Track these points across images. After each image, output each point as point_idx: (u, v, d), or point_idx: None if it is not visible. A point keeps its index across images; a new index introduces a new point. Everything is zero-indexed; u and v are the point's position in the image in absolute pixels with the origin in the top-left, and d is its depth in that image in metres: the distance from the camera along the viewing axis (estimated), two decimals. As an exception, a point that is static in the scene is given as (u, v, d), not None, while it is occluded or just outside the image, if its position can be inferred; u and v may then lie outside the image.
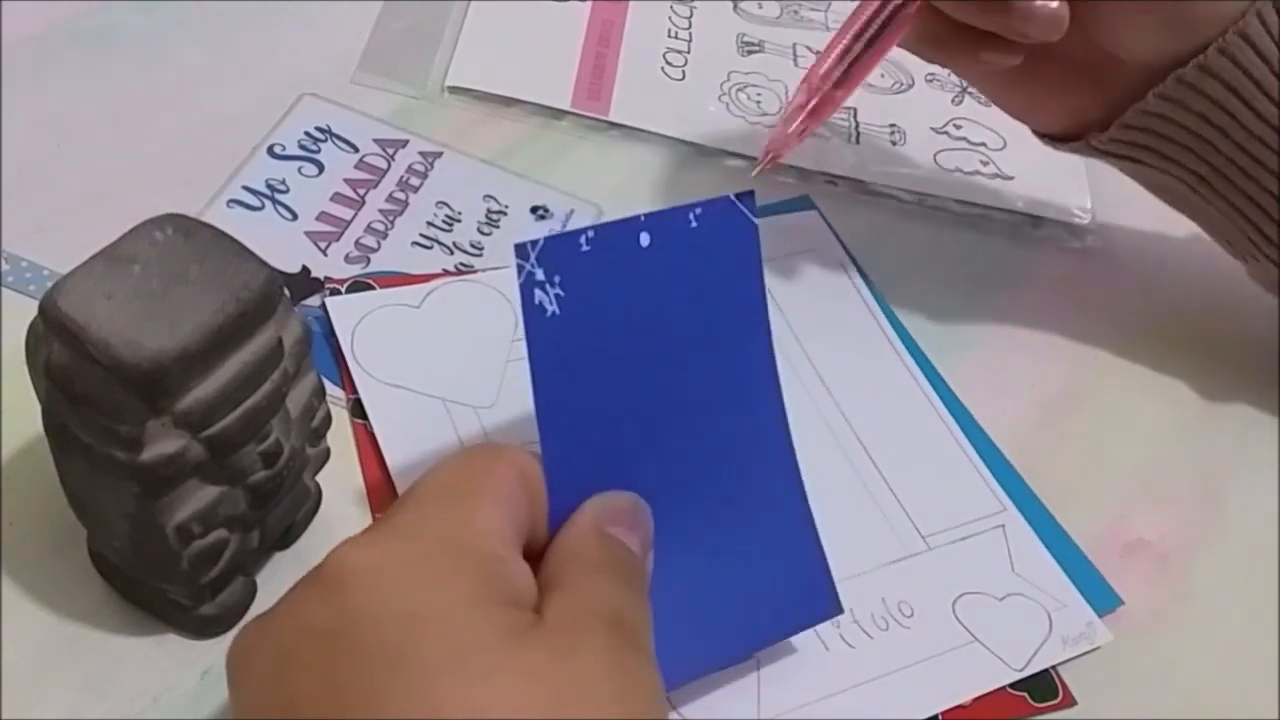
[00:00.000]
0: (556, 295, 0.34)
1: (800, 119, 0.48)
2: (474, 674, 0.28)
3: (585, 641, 0.30)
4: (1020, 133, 0.63)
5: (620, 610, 0.32)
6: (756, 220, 0.38)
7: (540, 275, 0.33)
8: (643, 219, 0.35)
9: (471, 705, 0.28)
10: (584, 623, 0.31)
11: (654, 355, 0.36)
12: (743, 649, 0.40)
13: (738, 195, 0.37)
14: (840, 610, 0.41)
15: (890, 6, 0.46)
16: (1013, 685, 0.43)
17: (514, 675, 0.29)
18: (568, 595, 0.32)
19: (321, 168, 0.54)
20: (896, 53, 0.67)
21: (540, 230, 0.54)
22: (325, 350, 0.48)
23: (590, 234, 0.34)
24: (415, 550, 0.31)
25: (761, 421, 0.39)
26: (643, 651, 0.32)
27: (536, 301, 0.33)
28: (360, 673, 0.28)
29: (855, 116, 0.62)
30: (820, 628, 0.42)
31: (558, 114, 0.59)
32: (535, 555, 0.34)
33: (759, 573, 0.40)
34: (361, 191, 0.54)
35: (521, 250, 0.33)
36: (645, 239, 0.35)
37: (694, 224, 0.37)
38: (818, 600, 0.41)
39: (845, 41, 0.47)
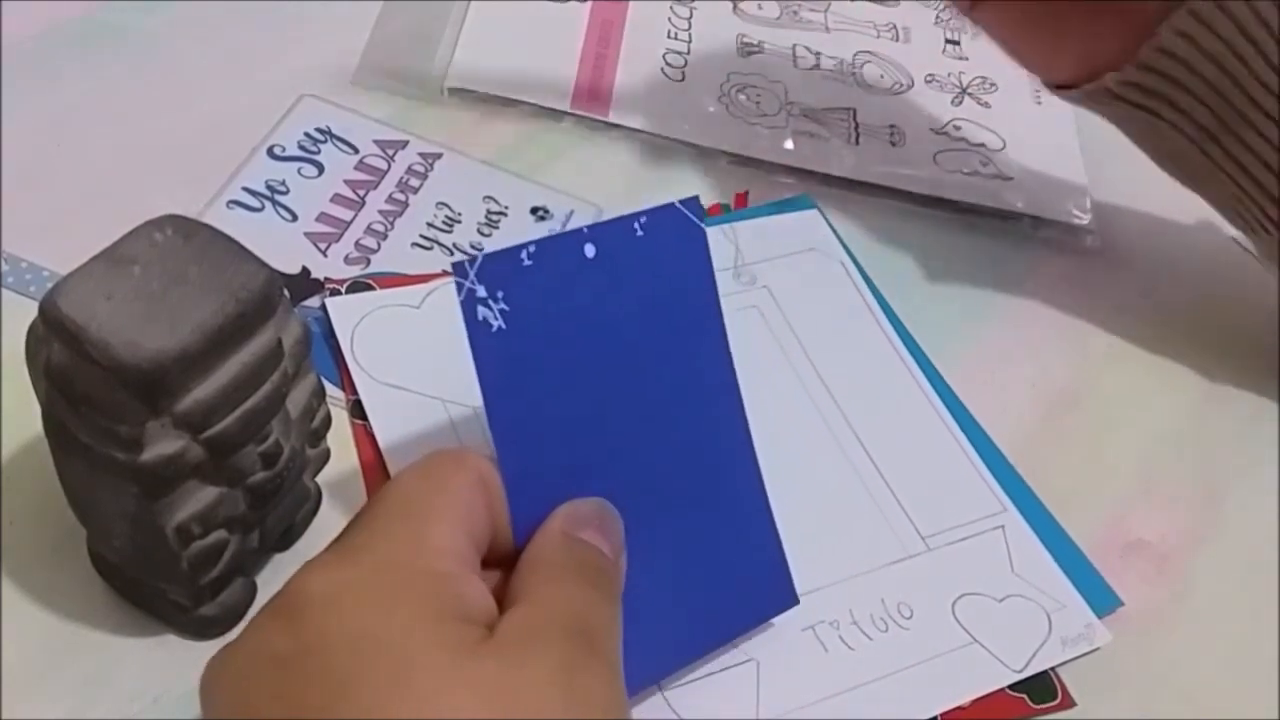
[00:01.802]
0: (501, 310, 0.34)
1: None
2: (422, 692, 0.29)
3: (537, 650, 0.31)
4: (1020, 133, 0.64)
5: (582, 615, 0.32)
6: (704, 224, 0.38)
7: (482, 292, 0.33)
8: (586, 230, 0.36)
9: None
10: (540, 632, 0.31)
11: (608, 363, 0.37)
12: (706, 645, 0.41)
13: (683, 201, 0.38)
14: (796, 601, 0.42)
15: None
16: (1012, 686, 0.43)
17: (462, 689, 0.29)
18: (529, 605, 0.32)
19: (321, 169, 0.54)
20: (896, 53, 0.67)
21: (540, 231, 0.54)
22: (325, 351, 0.48)
23: (531, 248, 0.34)
24: (369, 573, 0.31)
25: (720, 420, 0.40)
26: (601, 657, 0.32)
27: (480, 318, 0.33)
28: (314, 697, 0.29)
29: (855, 117, 0.62)
30: (820, 629, 0.42)
31: (558, 114, 0.59)
32: (501, 560, 0.34)
33: (720, 570, 0.40)
34: (361, 192, 0.54)
35: (459, 268, 0.33)
36: (590, 250, 0.36)
37: (640, 232, 0.37)
38: (774, 593, 0.41)
39: None
